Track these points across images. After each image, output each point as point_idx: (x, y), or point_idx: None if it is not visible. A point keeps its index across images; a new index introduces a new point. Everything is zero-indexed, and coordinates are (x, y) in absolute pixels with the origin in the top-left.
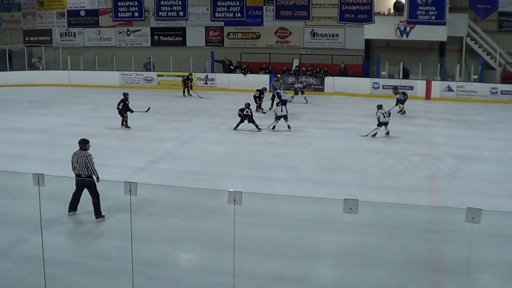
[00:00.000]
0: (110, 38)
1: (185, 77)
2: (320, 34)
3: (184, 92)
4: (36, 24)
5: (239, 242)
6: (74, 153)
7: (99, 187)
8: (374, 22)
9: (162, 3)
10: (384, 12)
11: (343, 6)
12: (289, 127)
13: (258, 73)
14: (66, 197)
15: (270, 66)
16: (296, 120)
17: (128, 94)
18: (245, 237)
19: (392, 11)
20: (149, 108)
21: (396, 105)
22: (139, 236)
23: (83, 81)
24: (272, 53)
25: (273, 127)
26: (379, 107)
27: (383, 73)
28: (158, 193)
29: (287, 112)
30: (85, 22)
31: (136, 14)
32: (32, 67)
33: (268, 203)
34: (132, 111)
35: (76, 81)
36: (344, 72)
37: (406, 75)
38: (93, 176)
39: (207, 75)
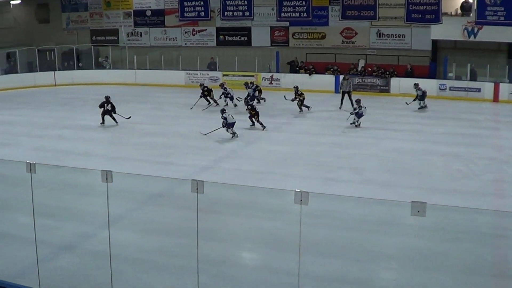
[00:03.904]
0: (175, 37)
1: (203, 88)
2: (386, 35)
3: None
4: (103, 24)
5: (303, 242)
6: None
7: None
8: (442, 23)
9: (228, 3)
10: (451, 12)
11: (410, 6)
12: (234, 134)
13: (323, 73)
14: (132, 194)
15: (336, 66)
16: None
17: (109, 97)
18: (309, 238)
19: (459, 11)
20: (130, 117)
21: (415, 100)
22: (203, 234)
23: (149, 80)
24: (338, 54)
25: (233, 134)
26: (358, 101)
27: (450, 74)
28: (222, 192)
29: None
30: (151, 22)
31: (202, 14)
32: (99, 66)
33: (332, 204)
34: (115, 112)
35: (142, 80)
36: (411, 73)
37: (473, 77)
38: None
39: (272, 75)
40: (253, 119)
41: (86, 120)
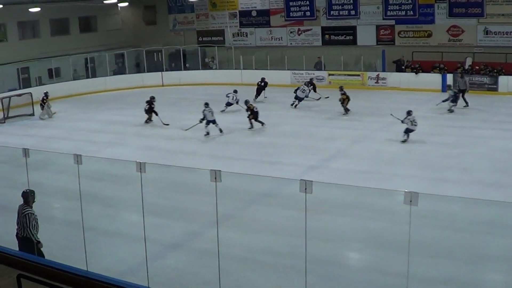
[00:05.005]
0: (281, 37)
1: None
2: (494, 32)
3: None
4: (209, 25)
5: (411, 243)
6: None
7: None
8: None
9: (333, 2)
10: None
11: None
12: (220, 130)
13: (430, 72)
14: (240, 193)
15: (442, 65)
16: (467, 120)
17: (154, 98)
18: (417, 239)
19: None
20: (167, 124)
21: (447, 100)
22: (310, 234)
23: (255, 80)
24: (444, 52)
25: (206, 133)
26: (408, 113)
27: None
28: (330, 192)
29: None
30: (256, 22)
31: (308, 13)
32: (206, 66)
33: (441, 205)
34: (156, 114)
35: (249, 80)
36: None
37: None
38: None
39: (378, 74)
40: (251, 121)
41: (193, 120)
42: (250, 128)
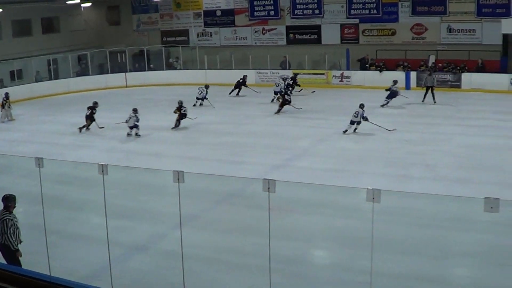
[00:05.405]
0: (246, 37)
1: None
2: (457, 30)
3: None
4: (173, 25)
5: (376, 240)
6: None
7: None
8: None
9: (298, 1)
10: None
11: (481, 0)
12: (137, 134)
13: (394, 70)
14: (204, 193)
15: (406, 63)
16: (431, 117)
17: (97, 103)
18: (382, 236)
19: None
20: (102, 127)
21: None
22: (276, 233)
23: (220, 80)
24: (408, 50)
25: (127, 134)
26: (359, 105)
27: None
28: (295, 191)
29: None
30: (221, 22)
31: (272, 13)
32: (170, 67)
33: (406, 202)
34: (93, 121)
35: (213, 80)
36: (482, 68)
37: None
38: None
39: (343, 72)
40: (178, 121)
41: (158, 121)
42: (172, 128)
